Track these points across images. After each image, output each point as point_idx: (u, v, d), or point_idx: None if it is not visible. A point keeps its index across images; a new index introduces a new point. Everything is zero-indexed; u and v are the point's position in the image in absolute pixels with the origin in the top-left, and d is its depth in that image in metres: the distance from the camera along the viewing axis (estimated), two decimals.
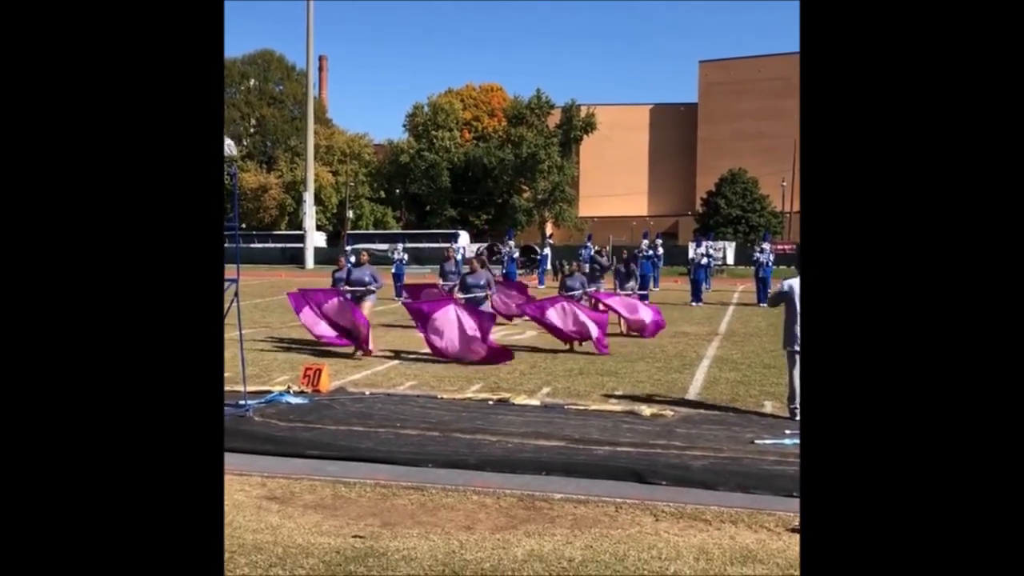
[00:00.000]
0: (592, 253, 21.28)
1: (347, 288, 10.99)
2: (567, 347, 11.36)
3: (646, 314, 12.90)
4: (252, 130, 65.11)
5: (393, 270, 22.75)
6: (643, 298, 20.07)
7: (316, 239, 48.83)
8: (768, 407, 7.57)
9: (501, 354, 10.09)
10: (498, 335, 12.99)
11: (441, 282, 14.29)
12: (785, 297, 7.03)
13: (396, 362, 10.25)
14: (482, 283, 11.16)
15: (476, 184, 60.45)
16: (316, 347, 11.71)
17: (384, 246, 43.05)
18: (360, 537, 4.28)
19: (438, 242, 44.32)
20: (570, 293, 11.95)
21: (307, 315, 10.94)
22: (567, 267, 13.53)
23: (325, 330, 10.81)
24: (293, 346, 11.80)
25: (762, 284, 20.01)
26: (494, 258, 20.40)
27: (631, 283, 14.60)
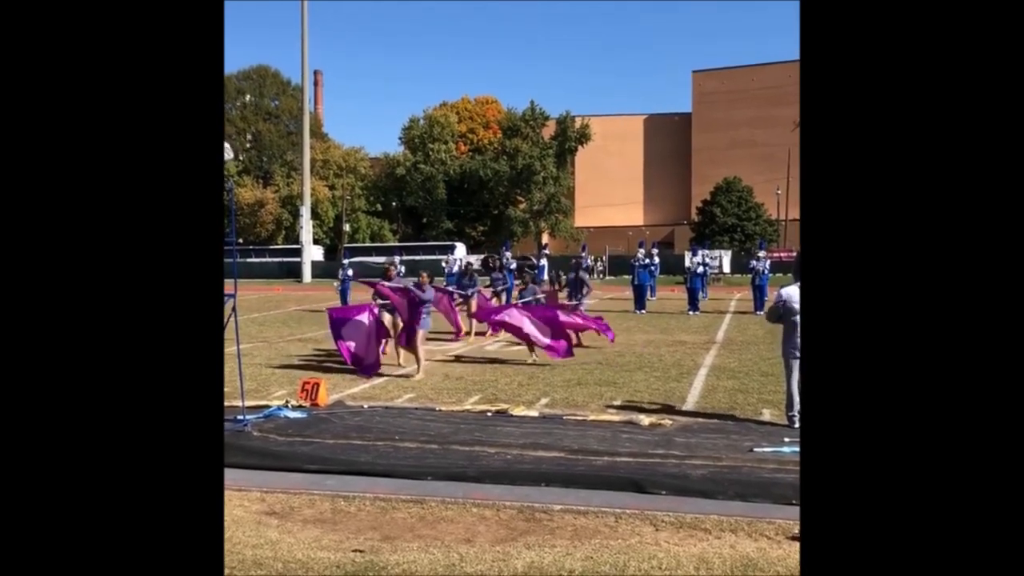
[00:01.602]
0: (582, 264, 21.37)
1: (379, 303, 10.97)
2: (530, 349, 11.49)
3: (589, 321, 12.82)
4: (248, 145, 65.24)
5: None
6: (640, 304, 20.16)
7: (313, 253, 48.81)
8: (766, 415, 7.57)
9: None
10: (494, 347, 13.00)
11: (458, 291, 15.28)
12: (783, 308, 7.01)
13: (394, 375, 10.23)
14: (428, 298, 10.91)
15: (472, 196, 60.54)
16: (314, 361, 11.70)
17: (381, 259, 42.99)
18: (360, 551, 4.26)
19: (435, 254, 44.35)
20: (524, 300, 13.06)
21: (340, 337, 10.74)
22: (556, 276, 14.26)
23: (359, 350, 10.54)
24: (291, 360, 11.79)
25: (759, 292, 20.03)
26: (494, 268, 20.42)
27: (583, 291, 14.70)
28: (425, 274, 10.52)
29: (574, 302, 14.05)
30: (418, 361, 10.07)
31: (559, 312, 11.74)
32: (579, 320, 12.19)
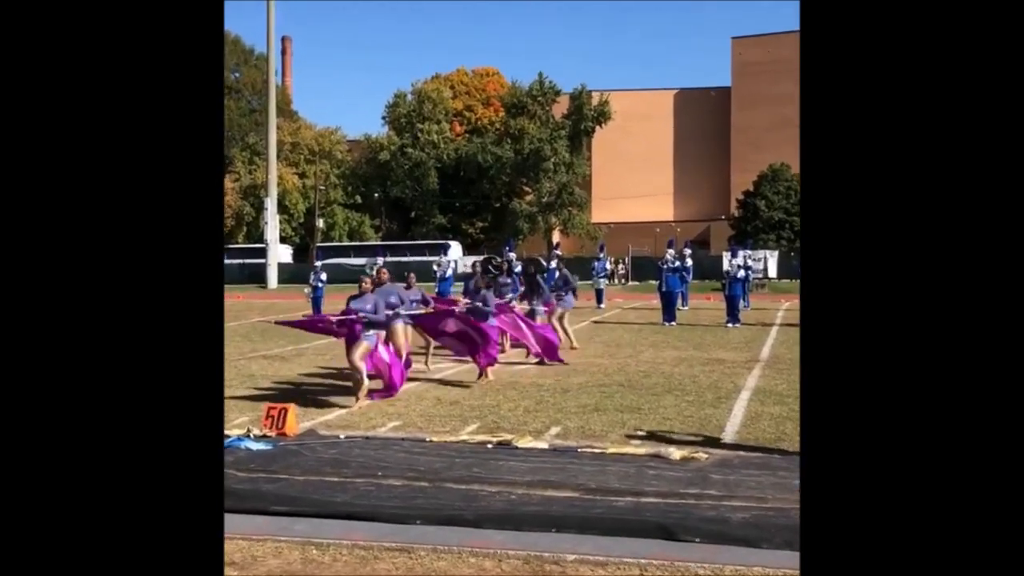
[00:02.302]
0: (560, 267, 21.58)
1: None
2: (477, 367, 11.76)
3: (532, 337, 13.03)
4: None
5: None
6: (670, 315, 20.17)
7: (280, 253, 49.00)
8: None
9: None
10: (494, 366, 13.02)
11: (464, 300, 15.20)
12: None
13: (376, 398, 10.24)
14: (368, 307, 10.82)
15: (469, 186, 60.73)
16: (282, 383, 11.73)
17: (361, 260, 43.09)
18: None
19: (425, 255, 44.45)
20: (468, 309, 13.14)
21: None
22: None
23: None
24: (254, 382, 11.82)
25: None
26: (494, 273, 20.46)
27: (538, 297, 14.82)
28: (369, 279, 10.55)
29: (529, 307, 14.21)
30: (358, 381, 10.00)
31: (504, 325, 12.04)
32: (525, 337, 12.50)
